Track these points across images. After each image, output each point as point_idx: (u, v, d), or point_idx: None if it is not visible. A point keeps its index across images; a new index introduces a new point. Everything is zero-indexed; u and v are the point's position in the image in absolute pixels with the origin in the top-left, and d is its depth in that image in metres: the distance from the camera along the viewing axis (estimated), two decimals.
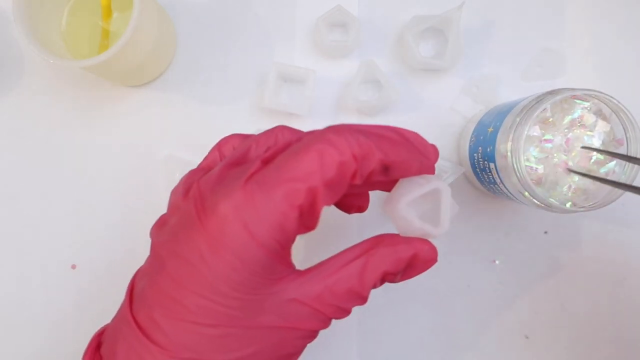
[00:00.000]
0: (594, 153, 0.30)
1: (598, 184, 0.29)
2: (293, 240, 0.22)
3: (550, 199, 0.29)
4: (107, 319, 0.39)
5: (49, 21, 0.35)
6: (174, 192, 0.26)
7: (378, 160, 0.21)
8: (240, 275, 0.21)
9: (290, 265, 0.23)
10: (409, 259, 0.23)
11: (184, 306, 0.21)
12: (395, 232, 0.25)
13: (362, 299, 0.23)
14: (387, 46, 0.40)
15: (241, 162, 0.24)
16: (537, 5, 0.39)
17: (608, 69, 0.39)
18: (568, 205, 0.29)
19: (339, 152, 0.20)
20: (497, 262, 0.38)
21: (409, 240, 0.24)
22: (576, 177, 0.29)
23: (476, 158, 0.34)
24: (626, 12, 0.39)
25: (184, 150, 0.39)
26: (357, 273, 0.23)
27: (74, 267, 0.39)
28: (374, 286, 0.23)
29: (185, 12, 0.40)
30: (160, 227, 0.25)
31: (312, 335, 0.24)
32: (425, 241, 0.24)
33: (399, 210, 0.23)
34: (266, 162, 0.22)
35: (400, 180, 0.24)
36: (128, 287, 0.25)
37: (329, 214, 0.30)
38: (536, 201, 0.29)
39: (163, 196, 0.39)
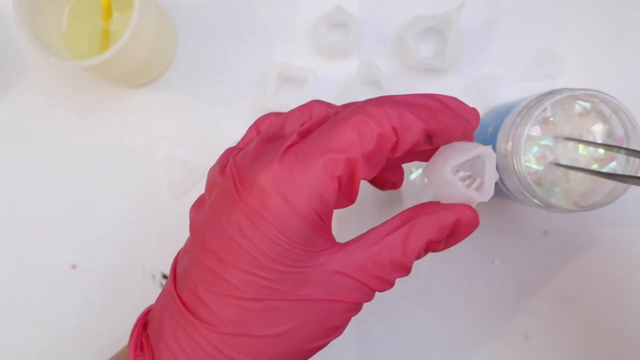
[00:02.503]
0: (598, 151, 0.30)
1: (598, 183, 0.29)
2: (332, 213, 0.22)
3: (550, 199, 0.29)
4: (107, 319, 0.39)
5: (49, 21, 0.35)
6: (211, 171, 0.25)
7: (421, 130, 0.21)
8: (281, 247, 0.21)
9: (332, 238, 0.23)
10: (452, 225, 0.23)
11: (227, 281, 0.21)
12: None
13: (406, 270, 0.23)
14: (387, 46, 0.40)
15: (277, 138, 0.24)
16: (537, 5, 0.39)
17: (608, 69, 0.39)
18: (568, 205, 0.29)
19: (378, 124, 0.21)
20: (497, 262, 0.38)
21: (450, 206, 0.23)
22: (571, 176, 0.29)
23: None
24: (626, 12, 0.39)
25: (184, 150, 0.39)
26: (400, 243, 0.22)
27: (74, 267, 0.39)
28: (418, 256, 0.23)
29: (186, 12, 0.40)
30: (199, 207, 0.25)
31: (357, 308, 0.23)
32: (466, 206, 0.23)
33: (443, 175, 0.22)
34: (303, 135, 0.22)
35: (442, 147, 0.24)
36: (172, 266, 0.25)
37: None
38: (536, 201, 0.29)
39: (163, 196, 0.40)
